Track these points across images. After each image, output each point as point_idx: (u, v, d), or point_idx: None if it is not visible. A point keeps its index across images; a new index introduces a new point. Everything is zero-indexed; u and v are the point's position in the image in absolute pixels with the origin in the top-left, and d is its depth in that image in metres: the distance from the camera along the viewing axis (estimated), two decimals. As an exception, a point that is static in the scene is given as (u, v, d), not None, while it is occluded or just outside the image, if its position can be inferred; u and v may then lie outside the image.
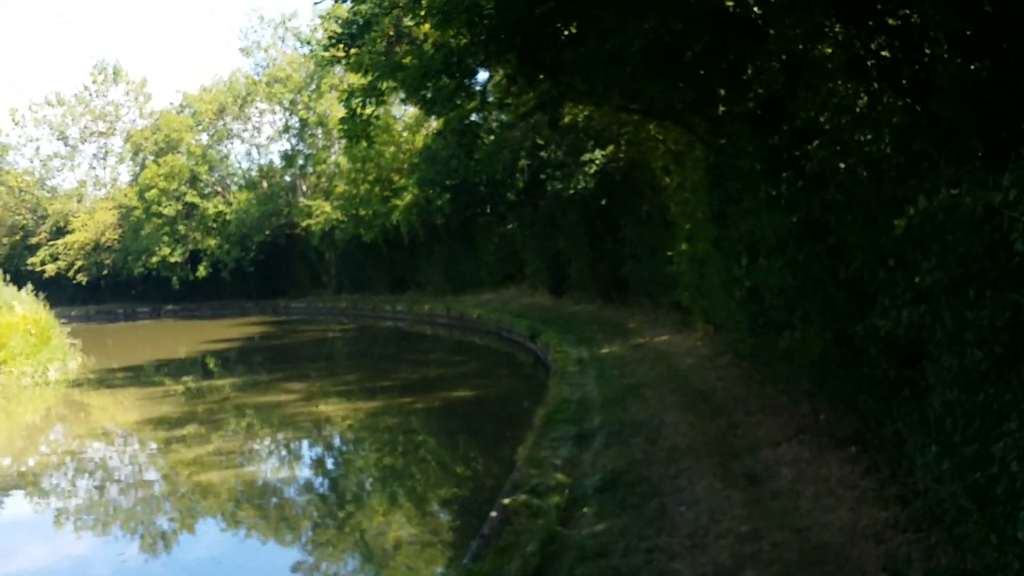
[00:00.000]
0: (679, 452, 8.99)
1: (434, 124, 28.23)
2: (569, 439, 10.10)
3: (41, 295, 35.34)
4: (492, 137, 18.95)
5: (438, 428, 15.21)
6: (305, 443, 15.41)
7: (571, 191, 22.45)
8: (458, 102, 12.70)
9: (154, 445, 15.80)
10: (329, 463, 14.20)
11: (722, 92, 10.36)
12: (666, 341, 17.75)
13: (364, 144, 17.57)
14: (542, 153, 23.72)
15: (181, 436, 16.33)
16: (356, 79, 15.86)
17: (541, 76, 10.16)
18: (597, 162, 22.01)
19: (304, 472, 13.44)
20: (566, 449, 9.68)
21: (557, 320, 24.99)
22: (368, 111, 13.72)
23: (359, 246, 44.57)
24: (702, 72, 9.28)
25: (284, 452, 14.75)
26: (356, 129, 14.15)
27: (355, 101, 13.63)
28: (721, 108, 10.37)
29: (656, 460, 8.78)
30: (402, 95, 18.77)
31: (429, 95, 12.14)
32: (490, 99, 13.39)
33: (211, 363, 27.58)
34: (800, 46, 7.93)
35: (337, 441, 15.42)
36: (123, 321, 55.96)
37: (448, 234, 37.37)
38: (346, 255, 47.56)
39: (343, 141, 45.61)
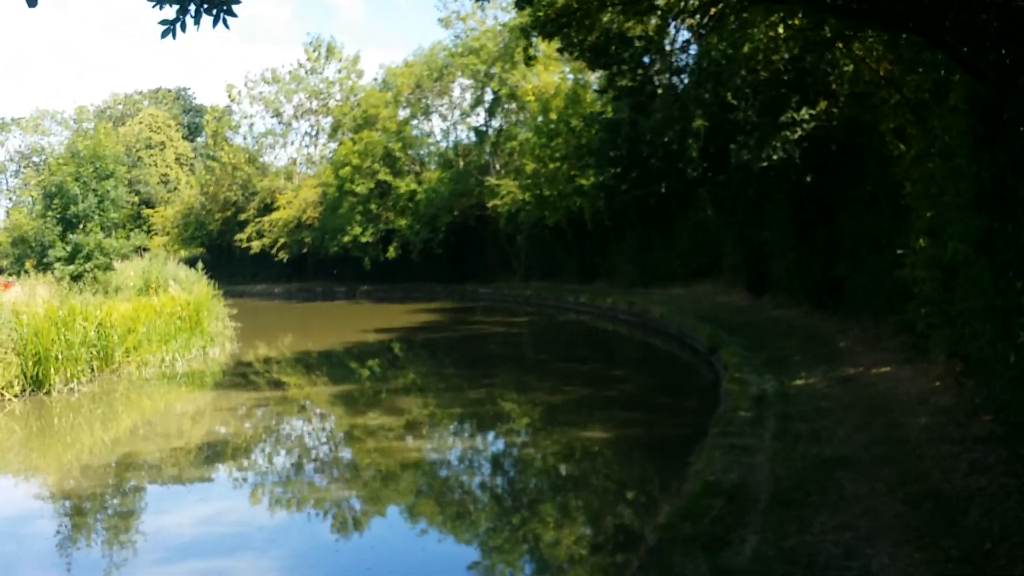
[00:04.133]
0: None
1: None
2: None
3: (200, 271, 33.63)
4: (660, 90, 14.18)
5: (508, 509, 10.24)
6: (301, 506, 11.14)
7: (763, 163, 17.00)
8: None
9: (161, 485, 12.13)
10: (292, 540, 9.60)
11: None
12: (888, 376, 12.44)
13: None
14: (732, 116, 18.27)
15: (208, 471, 12.90)
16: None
17: None
18: (804, 124, 16.55)
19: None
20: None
21: (749, 327, 19.91)
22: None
23: (547, 230, 40.77)
24: None
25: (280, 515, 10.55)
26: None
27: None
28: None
29: None
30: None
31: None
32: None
33: (335, 365, 24.34)
34: None
35: (354, 504, 10.82)
36: (320, 300, 54.71)
37: (640, 219, 32.69)
38: (535, 239, 43.87)
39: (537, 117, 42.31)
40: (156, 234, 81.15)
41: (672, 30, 15.09)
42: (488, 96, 48.55)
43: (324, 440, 14.83)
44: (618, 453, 11.98)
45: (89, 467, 13.12)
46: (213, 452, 13.83)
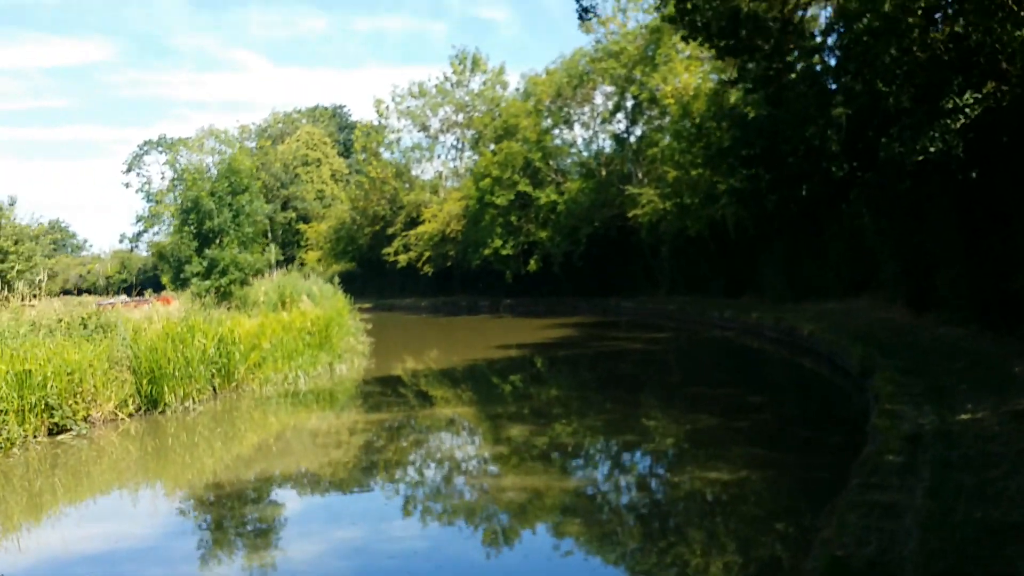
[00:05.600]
0: None
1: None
2: None
3: (337, 285, 33.52)
4: (793, 75, 12.24)
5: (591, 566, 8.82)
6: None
7: (919, 156, 14.51)
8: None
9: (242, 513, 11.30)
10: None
11: None
12: (1079, 412, 10.20)
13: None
14: (881, 104, 15.70)
15: (331, 490, 11.88)
16: None
17: None
18: (969, 109, 14.08)
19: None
20: None
21: (908, 349, 17.52)
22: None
23: (690, 241, 38.66)
24: None
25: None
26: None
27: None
28: None
29: None
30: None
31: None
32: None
33: (460, 384, 23.17)
34: None
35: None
36: (465, 315, 54.11)
37: (788, 227, 30.28)
38: (678, 251, 41.79)
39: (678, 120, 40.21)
40: (311, 249, 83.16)
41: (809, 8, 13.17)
42: (629, 102, 46.82)
43: (438, 462, 13.69)
44: (736, 504, 10.10)
45: (202, 486, 12.69)
46: (332, 472, 13.11)
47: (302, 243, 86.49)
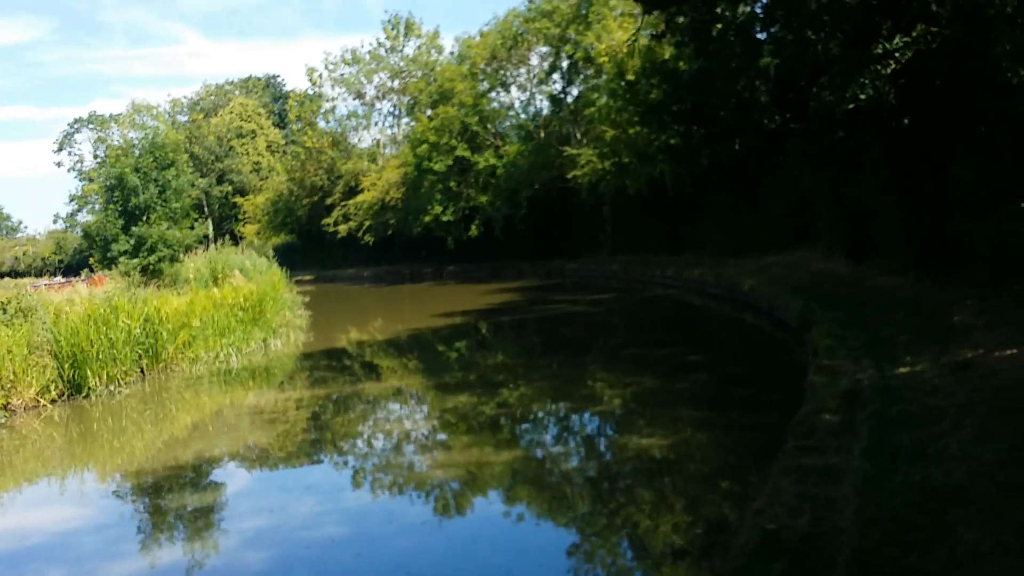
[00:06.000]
0: None
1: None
2: None
3: (272, 258, 32.83)
4: (719, 25, 11.84)
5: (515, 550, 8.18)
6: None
7: (849, 104, 14.22)
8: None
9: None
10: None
11: None
12: (1015, 360, 9.92)
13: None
14: (810, 52, 15.25)
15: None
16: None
17: None
18: (898, 54, 13.76)
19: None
20: None
21: (847, 299, 17.41)
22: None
23: (631, 200, 38.33)
24: None
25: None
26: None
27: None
28: None
29: None
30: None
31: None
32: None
33: (396, 356, 22.58)
34: None
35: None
36: (409, 283, 53.43)
37: (726, 182, 30.07)
38: (620, 210, 41.46)
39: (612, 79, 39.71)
40: (248, 222, 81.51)
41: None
42: (564, 62, 46.23)
43: (385, 434, 13.26)
44: (668, 473, 9.75)
45: (123, 474, 12.22)
46: (259, 455, 12.60)
47: (239, 216, 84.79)
